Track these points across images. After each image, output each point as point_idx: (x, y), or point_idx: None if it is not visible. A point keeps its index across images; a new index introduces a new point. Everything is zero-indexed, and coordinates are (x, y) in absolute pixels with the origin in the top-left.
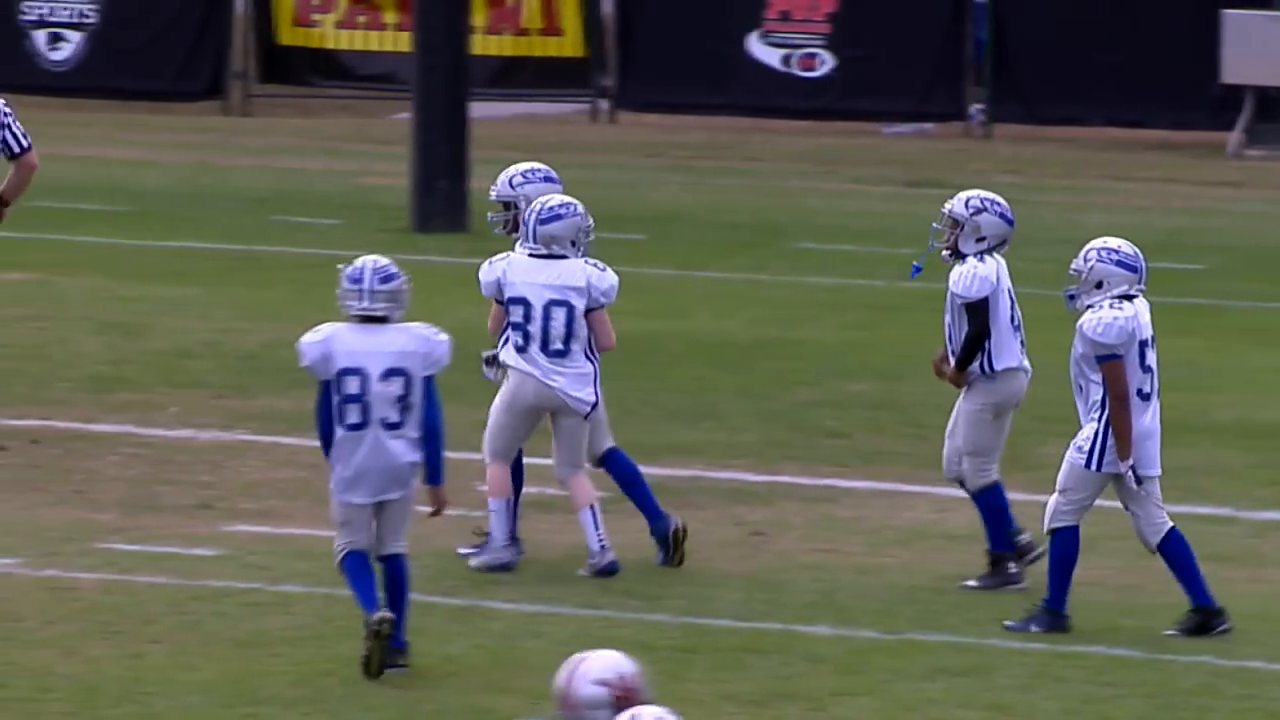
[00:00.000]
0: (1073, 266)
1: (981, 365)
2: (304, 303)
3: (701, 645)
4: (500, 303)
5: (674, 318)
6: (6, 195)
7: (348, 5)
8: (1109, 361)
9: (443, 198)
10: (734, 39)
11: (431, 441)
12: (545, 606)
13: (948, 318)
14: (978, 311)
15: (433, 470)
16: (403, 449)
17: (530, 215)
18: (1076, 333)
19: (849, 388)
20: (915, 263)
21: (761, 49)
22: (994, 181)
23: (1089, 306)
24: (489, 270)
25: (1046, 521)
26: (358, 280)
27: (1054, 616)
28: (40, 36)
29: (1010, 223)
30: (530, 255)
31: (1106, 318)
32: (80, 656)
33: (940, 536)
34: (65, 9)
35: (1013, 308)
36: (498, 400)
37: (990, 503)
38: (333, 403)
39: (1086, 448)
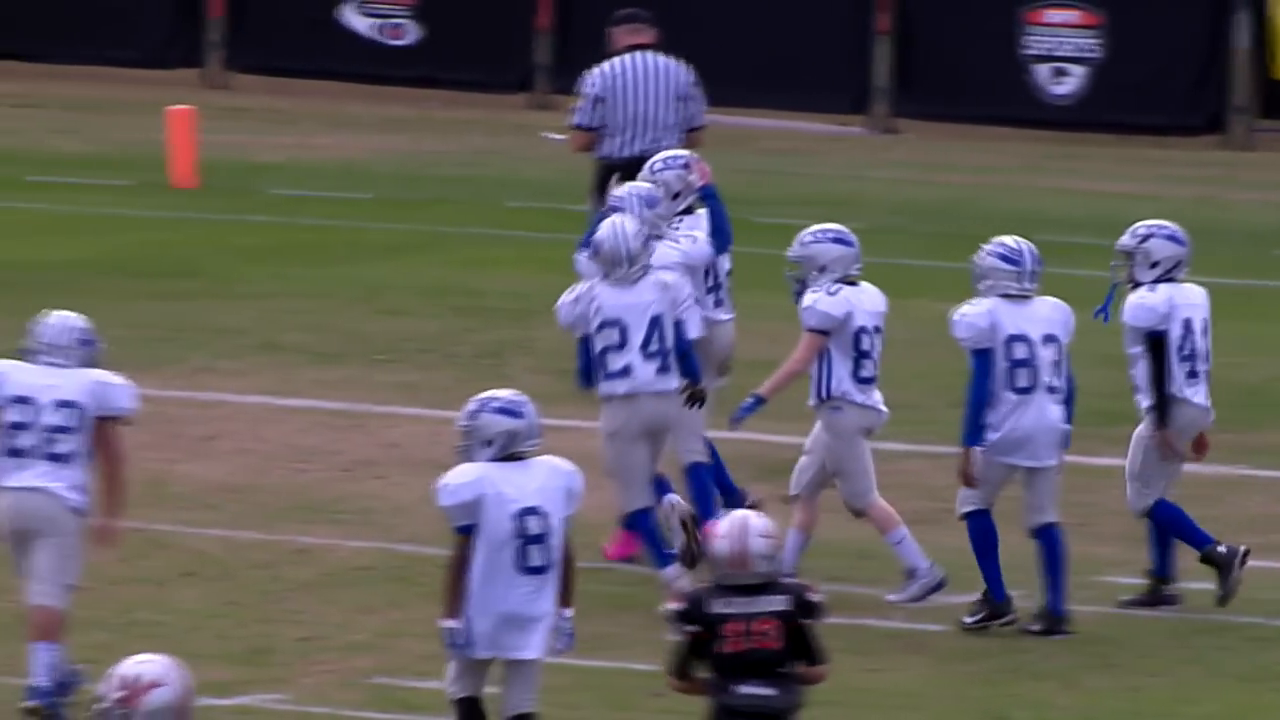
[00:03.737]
0: None
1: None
2: None
3: None
4: (824, 333)
5: None
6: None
7: None
8: None
9: None
10: None
11: (1070, 404)
12: None
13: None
14: (1154, 342)
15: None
16: (1060, 414)
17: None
18: None
19: None
20: (1099, 307)
21: None
22: None
23: None
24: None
25: None
26: (1018, 261)
27: None
28: (1043, 71)
29: (1181, 243)
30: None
31: None
32: (1080, 689)
33: None
34: (1069, 43)
35: (1186, 337)
36: (847, 435)
37: (1162, 522)
38: (997, 370)
39: None
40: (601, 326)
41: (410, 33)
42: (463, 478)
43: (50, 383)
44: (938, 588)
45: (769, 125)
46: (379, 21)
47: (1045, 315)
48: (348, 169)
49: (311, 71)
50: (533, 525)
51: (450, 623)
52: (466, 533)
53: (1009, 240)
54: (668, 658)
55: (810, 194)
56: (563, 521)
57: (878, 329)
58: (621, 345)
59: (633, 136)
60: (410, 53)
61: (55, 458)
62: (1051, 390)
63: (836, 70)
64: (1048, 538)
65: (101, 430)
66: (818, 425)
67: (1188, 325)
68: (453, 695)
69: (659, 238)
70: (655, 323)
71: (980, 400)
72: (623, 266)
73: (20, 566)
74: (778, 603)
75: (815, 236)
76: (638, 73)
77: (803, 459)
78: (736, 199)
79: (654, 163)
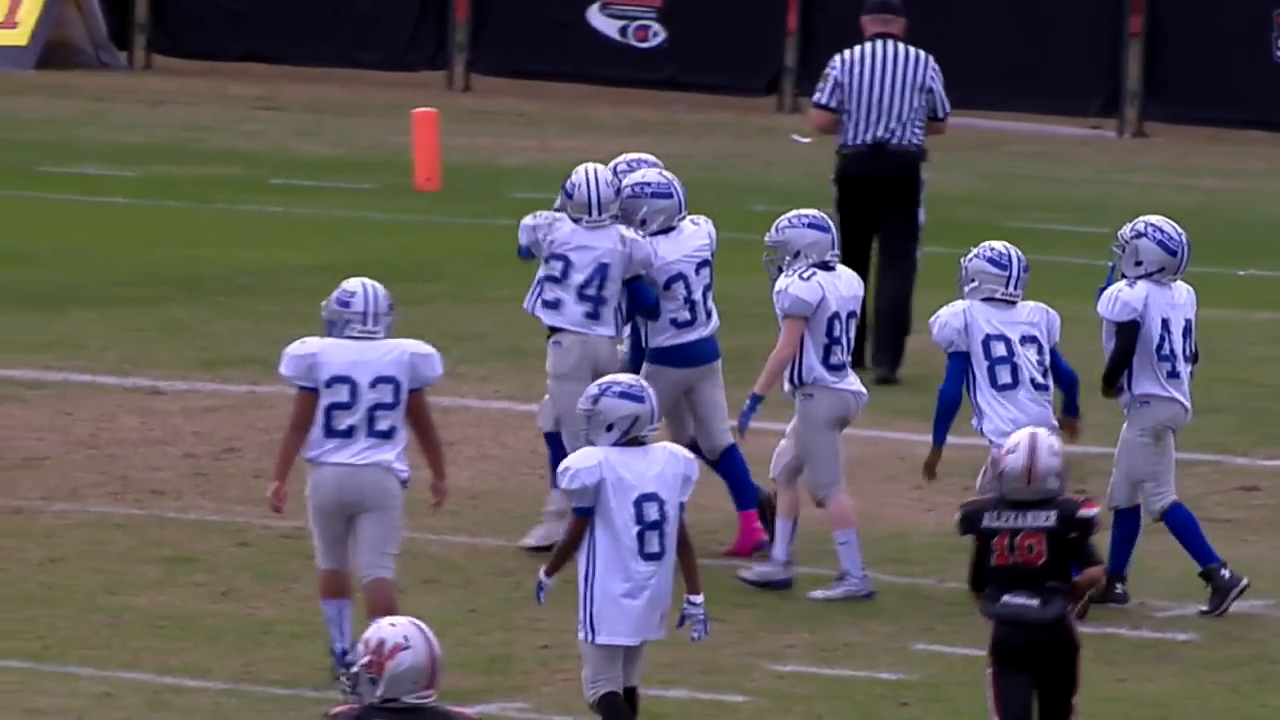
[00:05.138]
0: None
1: (1128, 389)
2: None
3: None
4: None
5: None
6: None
7: None
8: None
9: None
10: None
11: (1073, 393)
12: None
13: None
14: (1124, 332)
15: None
16: (1046, 413)
17: None
18: None
19: None
20: (1100, 287)
21: None
22: None
23: None
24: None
25: None
26: (1005, 266)
27: None
28: None
29: (1171, 252)
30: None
31: None
32: None
33: None
34: None
35: (1164, 337)
36: (818, 423)
37: (1177, 524)
38: (980, 370)
39: None
40: (549, 258)
41: (656, 35)
42: (585, 462)
43: (366, 359)
44: (863, 597)
45: (1019, 129)
46: (625, 23)
47: (1025, 318)
48: None
49: (556, 74)
50: (651, 511)
51: (544, 579)
52: (584, 515)
53: (998, 245)
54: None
55: (1059, 198)
56: (679, 508)
57: (852, 314)
58: (560, 279)
59: (871, 123)
60: (656, 55)
61: (379, 434)
62: (1037, 387)
63: (1087, 73)
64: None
65: (413, 400)
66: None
67: (1165, 325)
68: (592, 696)
69: (671, 230)
70: (601, 270)
71: (948, 402)
72: (592, 212)
73: (327, 539)
74: (1045, 519)
75: (791, 222)
76: (879, 60)
77: (782, 443)
78: (985, 202)
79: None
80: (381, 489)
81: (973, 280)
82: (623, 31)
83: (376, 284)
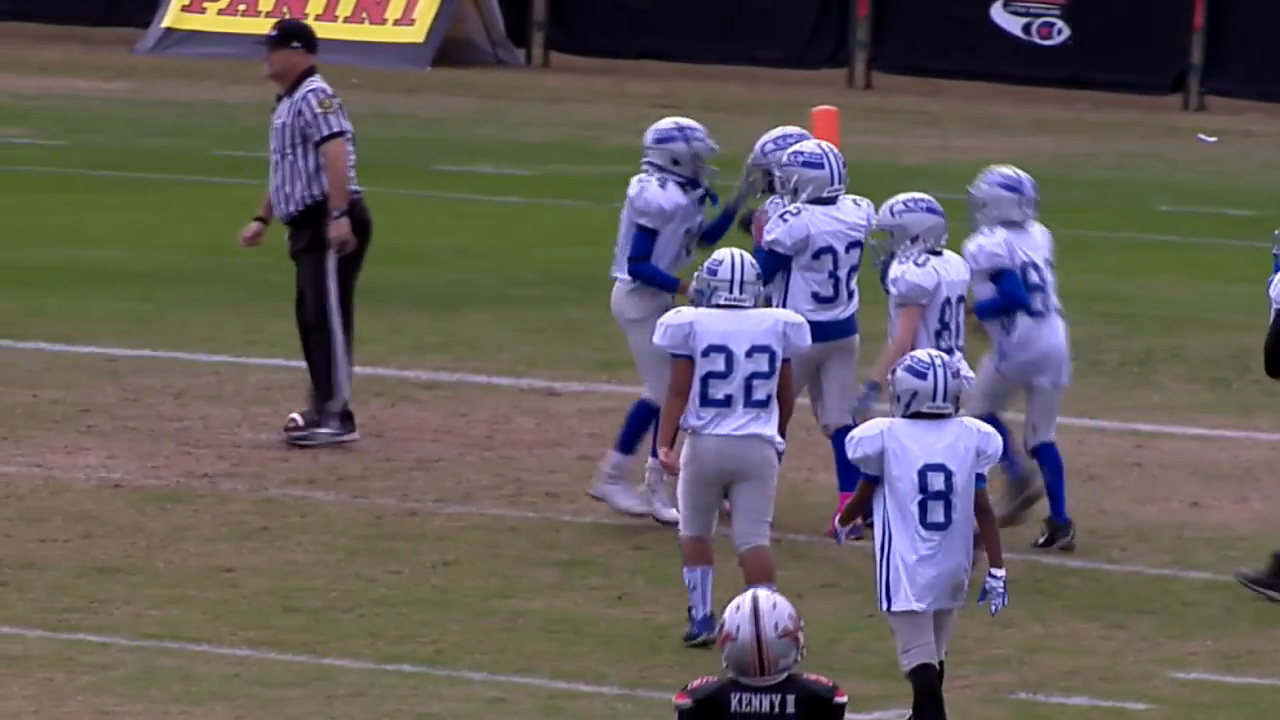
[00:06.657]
0: None
1: None
2: None
3: None
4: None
5: None
6: None
7: None
8: None
9: None
10: None
11: None
12: None
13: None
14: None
15: None
16: (1065, 336)
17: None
18: None
19: None
20: (1270, 277)
21: None
22: None
23: None
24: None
25: None
26: (1019, 189)
27: None
28: None
29: None
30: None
31: None
32: None
33: None
34: None
35: None
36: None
37: None
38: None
39: None
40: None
41: (1060, 32)
42: (869, 431)
43: (740, 328)
44: None
45: None
46: (1028, 20)
47: (1042, 242)
48: None
49: (957, 72)
50: (935, 482)
51: (839, 526)
52: (872, 481)
53: (1007, 170)
54: None
55: None
56: (972, 479)
57: (960, 299)
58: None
59: None
60: (1060, 52)
61: (757, 403)
62: (1058, 312)
63: None
64: (1049, 455)
65: (781, 369)
66: None
67: None
68: (905, 666)
69: (829, 202)
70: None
71: (1016, 303)
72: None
73: (698, 507)
74: None
75: (908, 205)
76: None
77: None
78: None
79: (765, 143)
80: (762, 459)
81: (986, 206)
82: (1026, 29)
83: (744, 253)
